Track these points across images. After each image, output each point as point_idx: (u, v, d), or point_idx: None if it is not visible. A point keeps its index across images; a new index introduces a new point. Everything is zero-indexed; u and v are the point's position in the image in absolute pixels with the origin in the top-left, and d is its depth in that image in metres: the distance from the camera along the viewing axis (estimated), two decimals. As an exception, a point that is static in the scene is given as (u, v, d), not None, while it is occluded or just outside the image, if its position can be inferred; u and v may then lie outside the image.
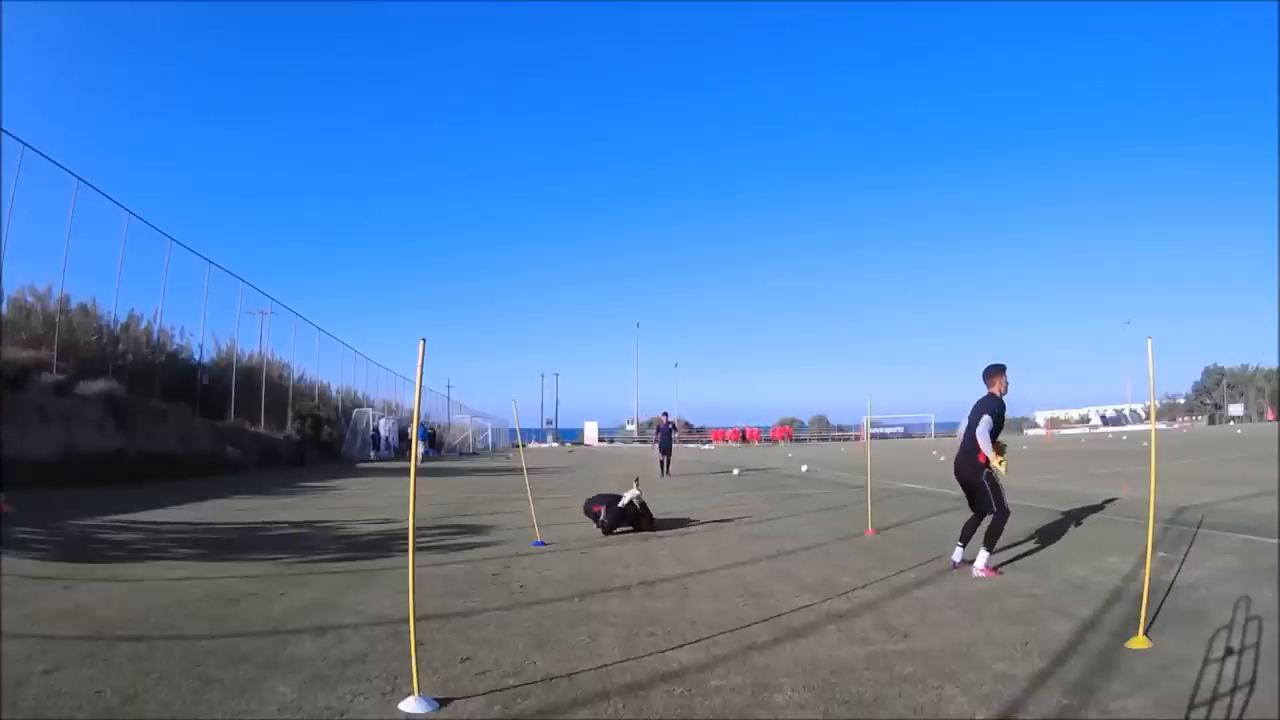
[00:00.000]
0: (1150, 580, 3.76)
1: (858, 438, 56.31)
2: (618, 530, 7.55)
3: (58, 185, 15.40)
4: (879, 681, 3.04)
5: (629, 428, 64.75)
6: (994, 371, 5.63)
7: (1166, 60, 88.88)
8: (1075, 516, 8.12)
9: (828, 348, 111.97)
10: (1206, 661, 3.16)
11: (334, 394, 31.72)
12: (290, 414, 25.91)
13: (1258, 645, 3.35)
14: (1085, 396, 74.10)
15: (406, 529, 3.12)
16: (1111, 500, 9.57)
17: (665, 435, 18.87)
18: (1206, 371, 67.02)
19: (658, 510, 10.05)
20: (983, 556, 5.24)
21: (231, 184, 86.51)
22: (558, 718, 2.75)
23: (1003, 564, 5.52)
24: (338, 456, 27.21)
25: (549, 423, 66.10)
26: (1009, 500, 5.49)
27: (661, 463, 18.01)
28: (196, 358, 21.89)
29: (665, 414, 20.00)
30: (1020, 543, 6.50)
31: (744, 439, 57.47)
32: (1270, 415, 54.69)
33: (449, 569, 5.57)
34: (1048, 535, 6.89)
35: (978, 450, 5.41)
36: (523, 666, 3.29)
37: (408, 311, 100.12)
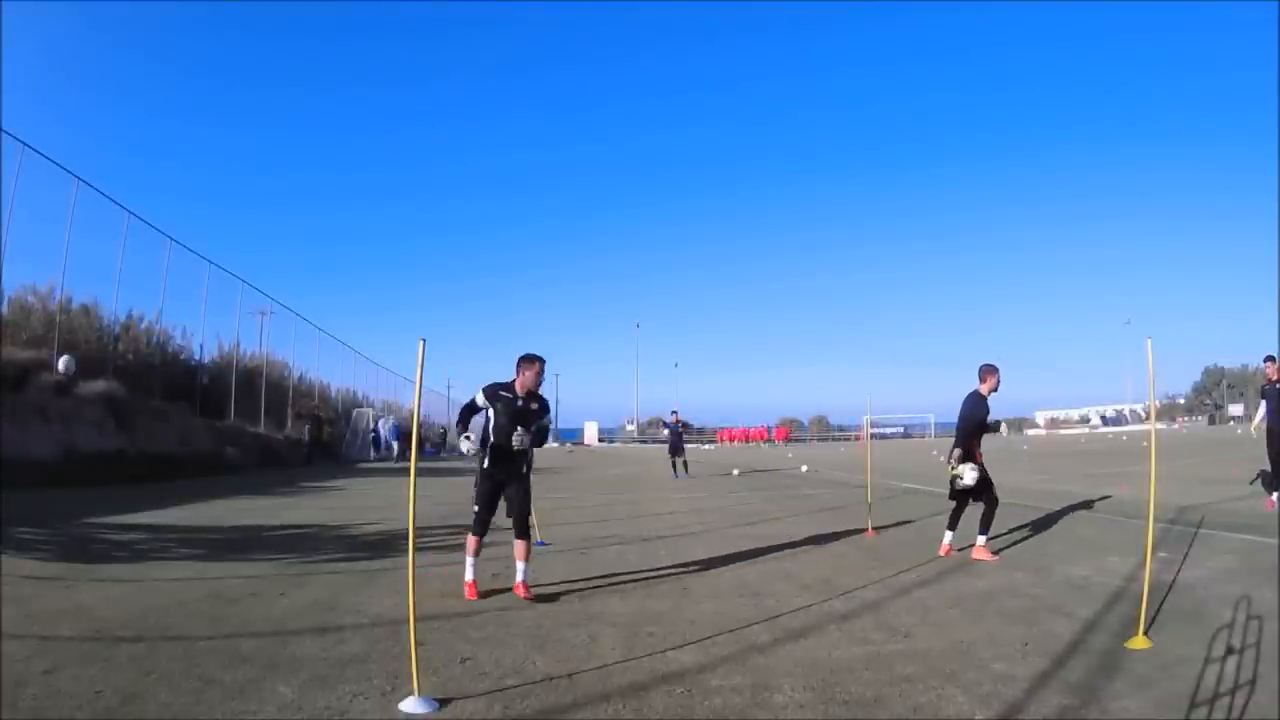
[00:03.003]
0: (1151, 580, 3.76)
1: (857, 438, 56.29)
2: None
3: (58, 185, 15.44)
4: (879, 681, 3.04)
5: (629, 428, 64.70)
6: (987, 370, 6.09)
7: (1166, 60, 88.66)
8: (1075, 517, 8.13)
9: (828, 348, 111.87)
10: (1207, 661, 3.16)
11: (334, 394, 31.73)
12: (290, 414, 25.92)
13: (1258, 645, 3.35)
14: (1085, 396, 74.02)
15: (407, 529, 3.13)
16: (1111, 500, 9.58)
17: (676, 436, 18.33)
18: (1206, 371, 66.89)
19: (659, 511, 10.05)
20: (980, 539, 5.89)
21: (231, 184, 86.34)
22: (558, 718, 2.75)
23: (1000, 553, 5.99)
24: (338, 457, 27.23)
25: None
26: (997, 492, 6.13)
27: (674, 464, 17.53)
28: (196, 358, 21.92)
29: (675, 412, 19.39)
30: (1021, 543, 6.51)
31: (746, 439, 57.36)
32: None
33: (449, 569, 5.56)
34: (1048, 535, 6.90)
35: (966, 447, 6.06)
36: (523, 666, 3.29)
37: (408, 311, 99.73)
